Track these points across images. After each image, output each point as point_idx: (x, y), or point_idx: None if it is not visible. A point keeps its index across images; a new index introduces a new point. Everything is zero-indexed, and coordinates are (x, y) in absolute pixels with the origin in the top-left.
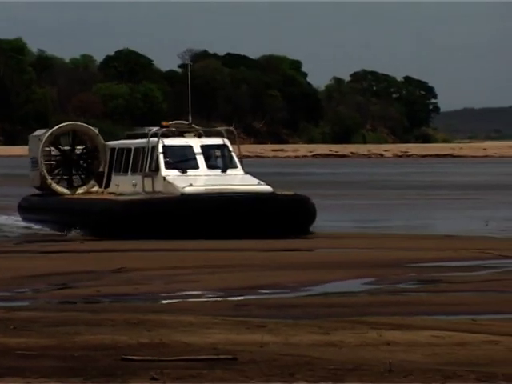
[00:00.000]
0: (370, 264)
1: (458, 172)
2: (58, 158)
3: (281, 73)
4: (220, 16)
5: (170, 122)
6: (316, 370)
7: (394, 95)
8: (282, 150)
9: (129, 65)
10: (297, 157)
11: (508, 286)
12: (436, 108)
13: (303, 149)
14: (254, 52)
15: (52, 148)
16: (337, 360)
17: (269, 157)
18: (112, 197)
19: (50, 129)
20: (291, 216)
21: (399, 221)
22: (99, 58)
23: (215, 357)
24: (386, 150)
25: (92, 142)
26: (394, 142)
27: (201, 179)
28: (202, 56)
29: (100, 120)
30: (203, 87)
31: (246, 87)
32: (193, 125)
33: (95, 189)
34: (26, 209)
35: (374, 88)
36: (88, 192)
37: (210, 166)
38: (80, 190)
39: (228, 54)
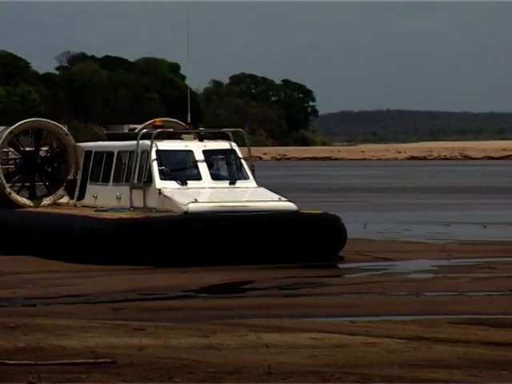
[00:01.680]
0: (250, 266)
1: (336, 175)
2: (18, 161)
3: (159, 75)
4: (98, 18)
5: (163, 119)
6: (195, 372)
7: (272, 98)
8: None
9: (5, 67)
10: None
11: (386, 289)
12: (314, 111)
13: None
14: (132, 55)
15: (11, 149)
16: (216, 363)
17: None
18: (95, 213)
19: (9, 126)
20: (320, 239)
21: None
22: None
23: (93, 360)
24: (264, 153)
25: (59, 143)
26: (272, 145)
27: (205, 193)
28: (79, 58)
29: None
30: (80, 90)
31: (125, 90)
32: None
33: (64, 200)
34: None
35: (253, 91)
36: (56, 204)
37: (214, 177)
38: (46, 201)
39: (106, 57)
